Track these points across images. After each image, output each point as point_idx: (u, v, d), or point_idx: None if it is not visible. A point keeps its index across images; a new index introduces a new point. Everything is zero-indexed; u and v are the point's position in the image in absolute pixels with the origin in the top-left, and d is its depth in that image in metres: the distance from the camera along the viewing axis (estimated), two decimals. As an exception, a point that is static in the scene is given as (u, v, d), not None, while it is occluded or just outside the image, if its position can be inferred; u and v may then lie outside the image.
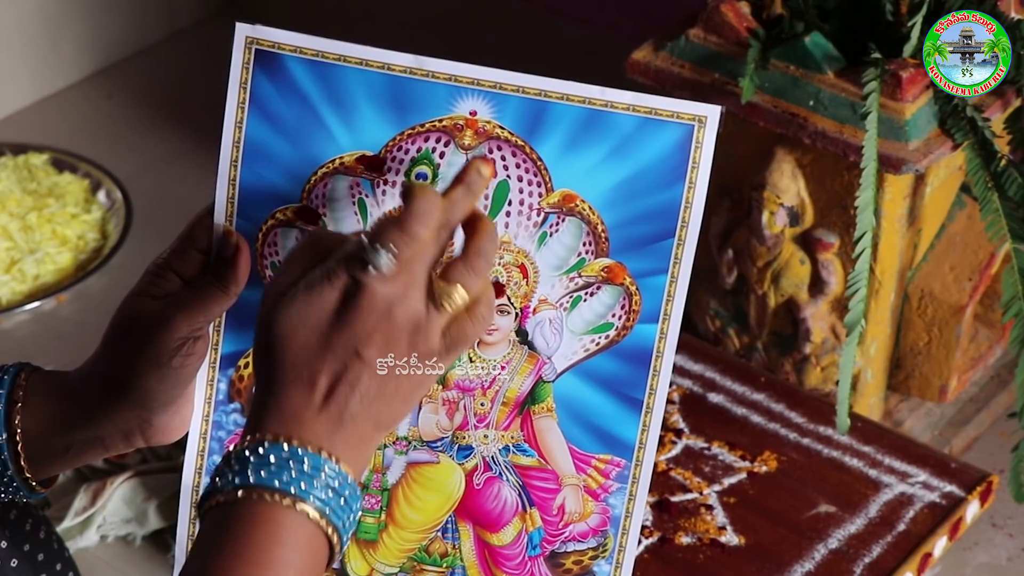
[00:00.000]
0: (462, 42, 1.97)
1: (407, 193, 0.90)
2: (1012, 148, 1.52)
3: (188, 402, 1.03)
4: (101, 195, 2.04)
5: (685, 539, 1.47)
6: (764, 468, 1.54)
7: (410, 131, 0.98)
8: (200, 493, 1.04)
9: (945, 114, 1.49)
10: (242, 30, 0.97)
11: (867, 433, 1.56)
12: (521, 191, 0.99)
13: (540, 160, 0.98)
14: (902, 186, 1.52)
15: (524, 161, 0.98)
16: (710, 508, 1.50)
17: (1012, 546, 1.58)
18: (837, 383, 1.47)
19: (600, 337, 1.02)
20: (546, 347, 1.03)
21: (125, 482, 1.57)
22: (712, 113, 0.98)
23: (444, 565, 1.07)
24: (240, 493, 0.87)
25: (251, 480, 0.87)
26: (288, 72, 0.97)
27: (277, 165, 0.99)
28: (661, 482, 1.52)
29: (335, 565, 0.91)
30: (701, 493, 1.51)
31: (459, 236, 0.94)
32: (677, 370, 1.63)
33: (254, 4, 2.33)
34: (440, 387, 1.03)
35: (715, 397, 1.62)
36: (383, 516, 1.06)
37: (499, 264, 1.00)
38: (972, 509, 1.50)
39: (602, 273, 1.01)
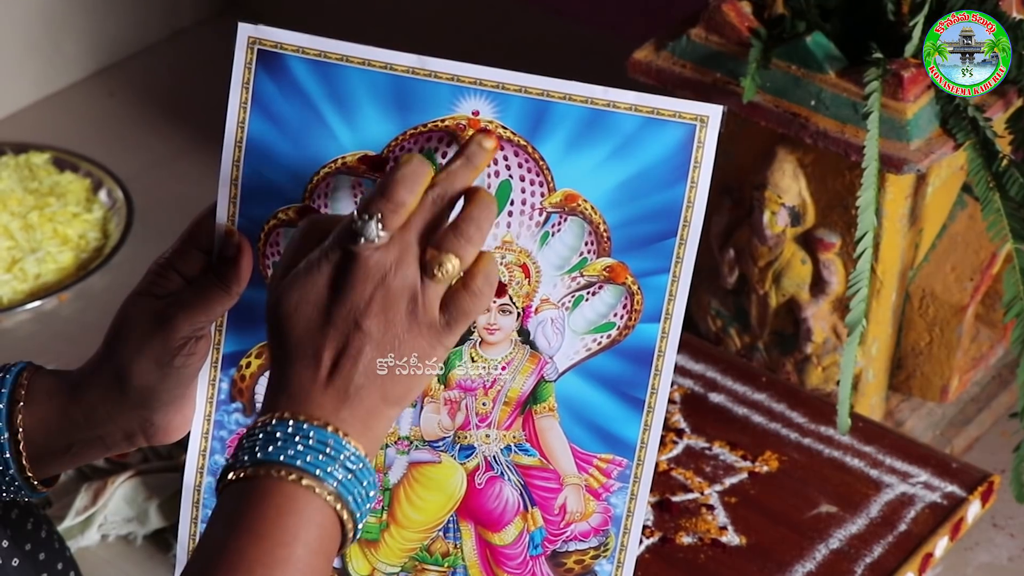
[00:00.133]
0: (464, 42, 1.97)
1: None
2: (1013, 148, 1.52)
3: (190, 401, 1.03)
4: (103, 194, 2.04)
5: (686, 539, 1.47)
6: (765, 468, 1.54)
7: (412, 131, 0.98)
8: (202, 492, 1.05)
9: (947, 114, 1.49)
10: (244, 30, 0.97)
11: (868, 433, 1.56)
12: (523, 191, 0.99)
13: (542, 160, 0.98)
14: (903, 186, 1.52)
15: (526, 161, 0.98)
16: (711, 508, 1.50)
17: (1013, 546, 1.58)
18: (838, 383, 1.46)
19: (602, 336, 1.02)
20: (548, 347, 1.03)
21: (126, 481, 1.56)
22: (714, 113, 0.97)
23: (446, 565, 1.07)
24: (249, 470, 0.88)
25: (258, 456, 0.88)
26: (290, 72, 0.97)
27: (279, 165, 0.99)
28: (662, 482, 1.52)
29: (347, 547, 0.91)
30: (702, 493, 1.51)
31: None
32: (678, 370, 1.63)
33: (256, 3, 2.33)
34: (442, 387, 1.03)
35: (716, 397, 1.62)
36: (385, 516, 1.06)
37: (501, 264, 1.00)
38: (973, 509, 1.50)
39: (604, 273, 1.01)
